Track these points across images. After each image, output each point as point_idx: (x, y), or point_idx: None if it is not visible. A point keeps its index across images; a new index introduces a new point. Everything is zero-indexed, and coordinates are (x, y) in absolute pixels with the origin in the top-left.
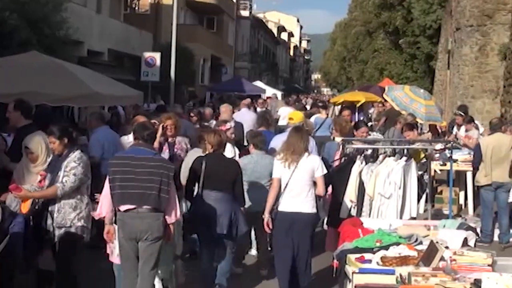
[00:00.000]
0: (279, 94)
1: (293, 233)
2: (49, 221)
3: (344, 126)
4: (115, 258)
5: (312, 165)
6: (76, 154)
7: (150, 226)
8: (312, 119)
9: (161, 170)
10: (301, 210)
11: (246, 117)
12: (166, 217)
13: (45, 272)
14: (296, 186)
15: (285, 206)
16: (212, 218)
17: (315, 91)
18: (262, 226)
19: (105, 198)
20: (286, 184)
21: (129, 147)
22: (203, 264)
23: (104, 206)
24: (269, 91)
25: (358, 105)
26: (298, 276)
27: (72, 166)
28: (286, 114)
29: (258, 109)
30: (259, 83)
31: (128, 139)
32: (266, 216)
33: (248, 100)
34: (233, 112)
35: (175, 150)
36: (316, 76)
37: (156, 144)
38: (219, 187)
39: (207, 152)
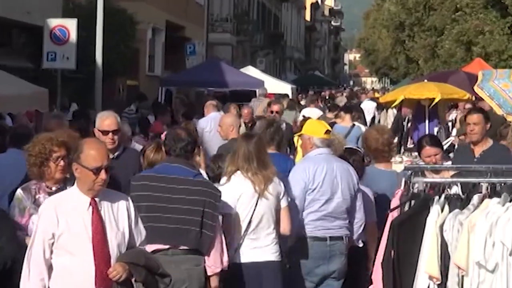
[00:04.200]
0: (288, 88)
1: None
2: None
3: (376, 139)
4: None
5: (277, 190)
6: None
7: (189, 275)
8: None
9: (205, 198)
10: (270, 258)
11: (216, 124)
12: (208, 263)
13: None
14: (261, 223)
15: (246, 254)
16: None
17: (352, 82)
18: None
19: None
20: (249, 221)
21: (159, 164)
22: None
23: None
24: (271, 83)
25: (431, 105)
26: None
27: None
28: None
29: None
30: (252, 70)
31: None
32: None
33: (214, 101)
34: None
35: None
36: (352, 56)
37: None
38: None
39: None
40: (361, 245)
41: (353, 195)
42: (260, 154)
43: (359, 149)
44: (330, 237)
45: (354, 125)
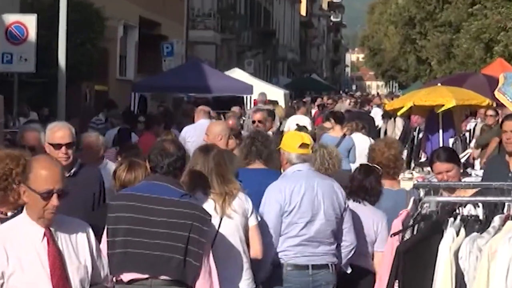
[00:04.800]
0: (280, 94)
1: None
2: None
3: (382, 152)
4: None
5: (243, 207)
6: None
7: None
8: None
9: (191, 221)
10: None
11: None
12: None
13: None
14: (228, 247)
15: None
16: None
17: (354, 86)
18: None
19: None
20: (211, 245)
21: (141, 182)
22: None
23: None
24: (261, 88)
25: (438, 110)
26: None
27: None
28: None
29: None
30: (239, 73)
31: None
32: None
33: (205, 107)
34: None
35: None
36: (354, 56)
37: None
38: None
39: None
40: (349, 271)
41: (339, 215)
42: (219, 169)
43: (376, 167)
44: (312, 265)
45: (345, 135)
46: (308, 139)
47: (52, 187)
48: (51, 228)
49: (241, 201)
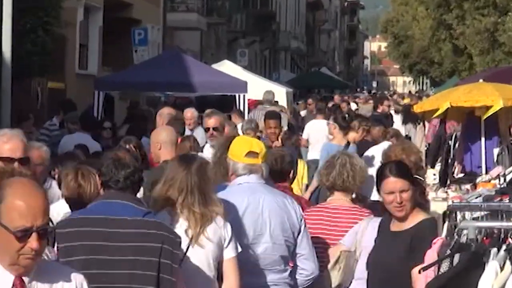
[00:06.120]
0: (282, 92)
1: None
2: None
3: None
4: None
5: (219, 234)
6: None
7: None
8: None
9: (160, 244)
10: None
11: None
12: None
13: None
14: (192, 280)
15: None
16: None
17: (375, 83)
18: None
19: None
20: None
21: (95, 201)
22: None
23: None
24: (257, 85)
25: (484, 116)
26: None
27: None
28: (322, 135)
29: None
30: (229, 66)
31: None
32: None
33: (170, 110)
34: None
35: None
36: (375, 45)
37: None
38: None
39: None
40: None
41: (291, 238)
42: (202, 185)
43: (420, 179)
44: None
45: (349, 143)
46: (258, 146)
47: (30, 224)
48: (24, 278)
49: (218, 227)
